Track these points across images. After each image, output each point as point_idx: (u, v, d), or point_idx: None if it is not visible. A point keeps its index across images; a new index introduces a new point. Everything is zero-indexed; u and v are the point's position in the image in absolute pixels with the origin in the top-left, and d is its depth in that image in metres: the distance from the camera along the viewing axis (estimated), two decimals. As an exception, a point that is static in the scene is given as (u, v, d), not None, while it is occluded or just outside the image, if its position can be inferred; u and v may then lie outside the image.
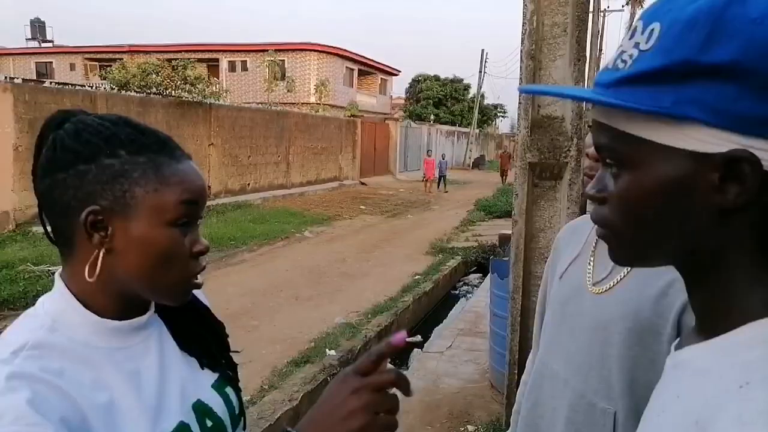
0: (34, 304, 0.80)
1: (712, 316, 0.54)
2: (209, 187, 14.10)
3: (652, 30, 0.50)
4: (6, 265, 7.01)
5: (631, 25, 0.54)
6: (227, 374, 0.92)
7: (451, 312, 7.64)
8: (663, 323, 1.04)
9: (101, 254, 0.75)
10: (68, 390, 0.69)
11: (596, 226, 0.59)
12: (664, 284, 1.05)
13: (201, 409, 0.84)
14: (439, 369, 4.80)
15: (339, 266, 8.53)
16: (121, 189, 0.74)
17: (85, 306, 0.77)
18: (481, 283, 8.31)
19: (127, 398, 0.75)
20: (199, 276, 0.81)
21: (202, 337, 0.91)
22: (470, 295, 8.26)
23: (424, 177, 20.80)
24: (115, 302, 0.78)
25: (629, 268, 1.10)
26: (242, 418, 0.93)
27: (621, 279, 1.11)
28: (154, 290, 0.78)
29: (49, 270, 6.90)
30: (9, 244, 8.29)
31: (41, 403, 0.64)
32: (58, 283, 0.78)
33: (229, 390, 0.90)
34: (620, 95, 0.51)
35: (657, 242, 0.54)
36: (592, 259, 1.20)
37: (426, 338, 6.47)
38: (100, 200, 0.74)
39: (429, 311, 7.57)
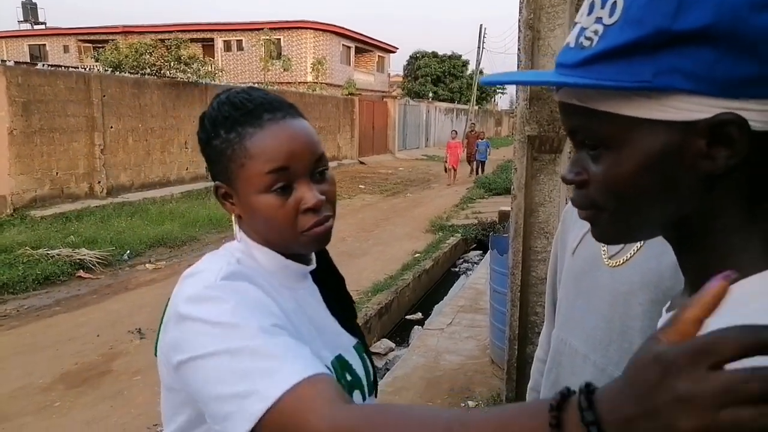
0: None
1: (706, 276, 0.52)
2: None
3: (614, 3, 0.49)
4: (4, 250, 6.99)
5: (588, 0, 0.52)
6: (364, 342, 0.99)
7: (451, 289, 7.67)
8: None
9: (235, 218, 0.88)
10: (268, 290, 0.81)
11: (578, 209, 0.58)
12: None
13: (343, 364, 0.90)
14: (440, 346, 4.81)
15: (339, 245, 8.52)
16: (224, 166, 0.84)
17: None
18: (481, 259, 8.32)
19: (301, 322, 0.84)
20: (321, 226, 0.84)
21: (343, 303, 0.99)
22: (470, 272, 8.27)
23: (445, 163, 17.34)
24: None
25: None
26: (375, 387, 0.99)
27: (638, 250, 1.08)
28: (276, 245, 0.86)
29: (47, 253, 6.90)
30: (7, 228, 8.26)
31: (249, 300, 0.76)
32: (240, 234, 0.89)
33: (365, 356, 0.97)
34: (592, 74, 0.50)
35: (646, 216, 0.54)
36: None
37: (426, 315, 6.51)
38: (219, 176, 0.86)
39: (429, 289, 7.60)
